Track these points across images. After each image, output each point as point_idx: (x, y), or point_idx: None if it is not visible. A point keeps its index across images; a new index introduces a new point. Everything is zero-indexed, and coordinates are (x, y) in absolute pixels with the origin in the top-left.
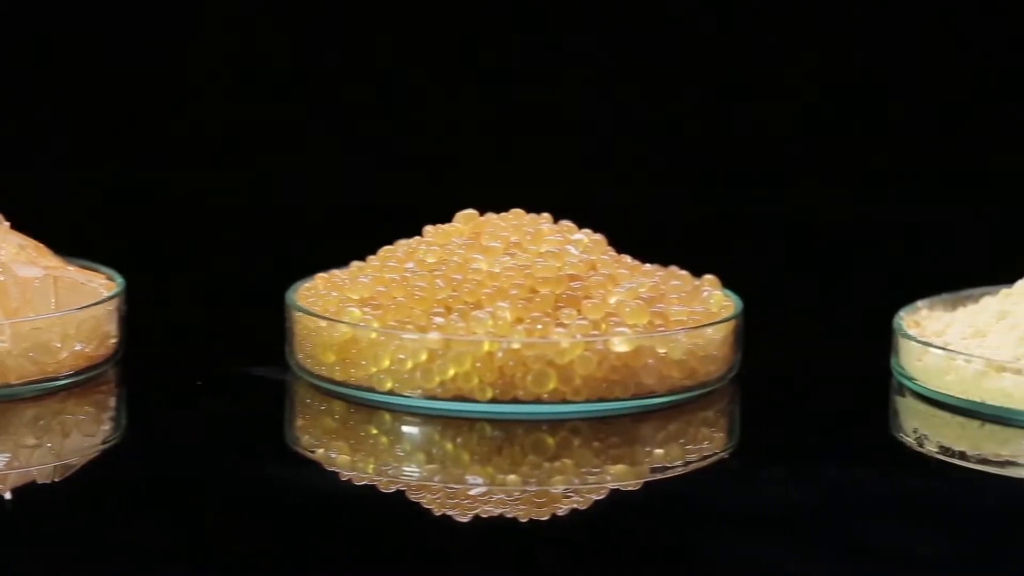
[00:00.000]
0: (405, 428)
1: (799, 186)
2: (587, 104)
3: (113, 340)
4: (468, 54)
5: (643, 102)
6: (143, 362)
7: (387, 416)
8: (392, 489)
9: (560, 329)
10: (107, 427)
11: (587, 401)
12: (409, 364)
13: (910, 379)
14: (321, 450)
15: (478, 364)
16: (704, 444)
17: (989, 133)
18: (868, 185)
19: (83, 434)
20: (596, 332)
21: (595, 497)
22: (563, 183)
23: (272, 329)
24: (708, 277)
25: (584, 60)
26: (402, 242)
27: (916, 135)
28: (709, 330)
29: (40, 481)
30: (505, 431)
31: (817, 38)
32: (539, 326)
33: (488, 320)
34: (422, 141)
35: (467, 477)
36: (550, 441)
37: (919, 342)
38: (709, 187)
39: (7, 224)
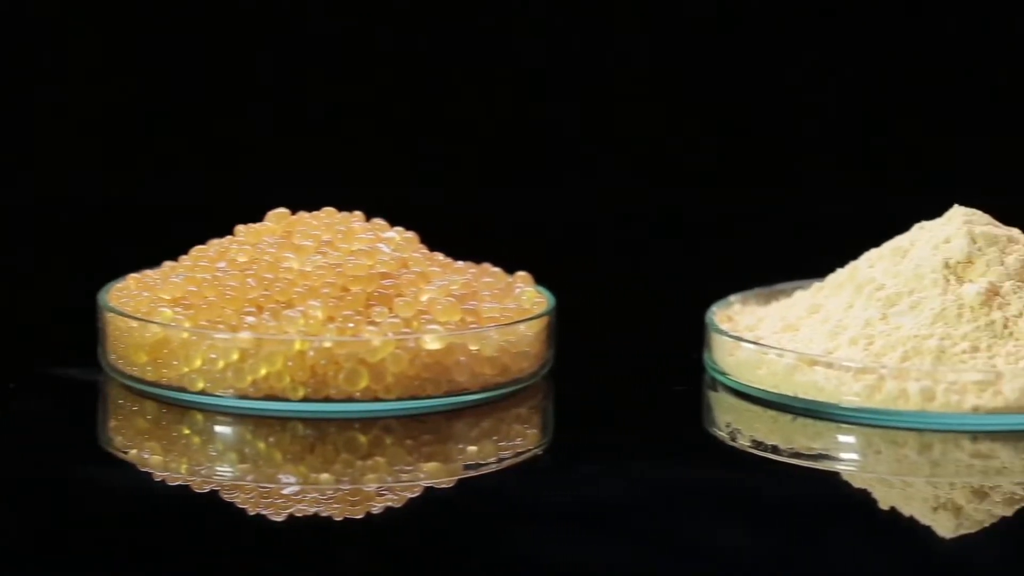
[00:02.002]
0: (217, 428)
1: (611, 182)
2: (401, 103)
3: None
4: (277, 52)
5: (454, 101)
6: None
7: (199, 416)
8: (206, 489)
9: (372, 327)
10: None
11: (399, 399)
12: (221, 364)
13: (723, 374)
14: (134, 450)
15: (290, 363)
16: (517, 441)
17: (802, 130)
18: (680, 180)
19: None
20: (408, 330)
21: (409, 495)
22: (375, 182)
23: (84, 330)
24: (521, 274)
25: (400, 60)
26: (214, 241)
27: (727, 131)
28: (521, 326)
29: None
30: (317, 430)
31: (623, 36)
32: (351, 324)
33: (299, 319)
34: (234, 140)
35: (280, 476)
36: (363, 439)
37: (731, 337)
38: (521, 184)
39: None
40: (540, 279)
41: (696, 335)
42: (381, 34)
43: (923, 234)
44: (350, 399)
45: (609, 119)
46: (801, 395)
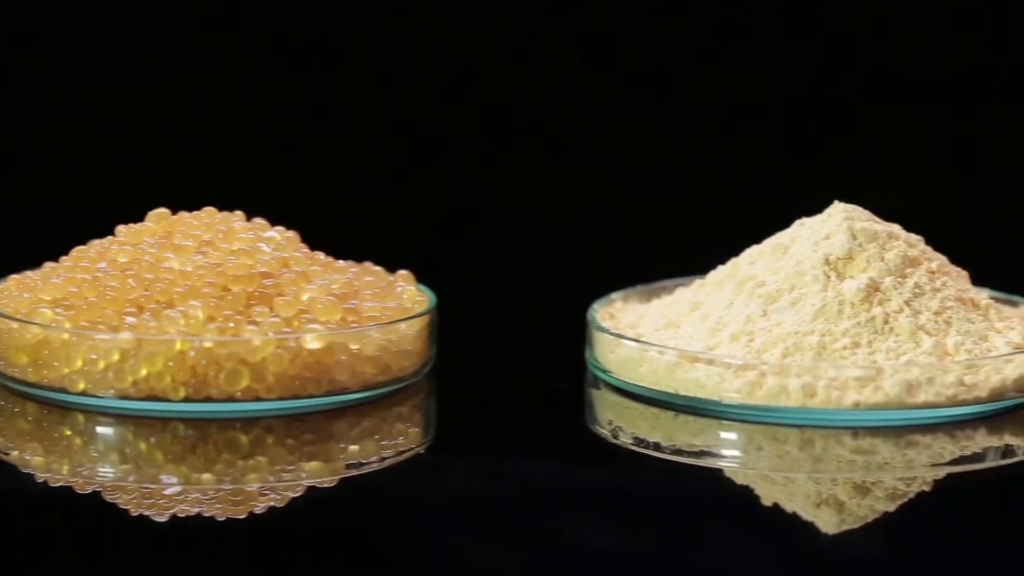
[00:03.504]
0: (99, 428)
1: (491, 181)
2: (281, 102)
3: None
4: (156, 50)
5: (335, 98)
6: None
7: (81, 417)
8: (88, 490)
9: (252, 327)
10: None
11: (280, 399)
12: (101, 364)
13: (604, 371)
14: (15, 452)
15: (170, 363)
16: (399, 439)
17: (684, 126)
18: (561, 177)
19: None
20: (288, 329)
21: (291, 495)
22: (256, 181)
23: None
24: (402, 272)
25: (279, 57)
26: (95, 242)
27: (609, 128)
28: (402, 325)
29: None
30: (199, 430)
31: (504, 32)
32: (231, 324)
33: (180, 319)
34: (115, 141)
35: (162, 476)
36: (244, 439)
37: (612, 334)
38: (401, 183)
39: None
40: (421, 278)
41: (578, 332)
42: (255, 29)
43: (804, 230)
44: (231, 399)
45: (491, 116)
46: (682, 392)
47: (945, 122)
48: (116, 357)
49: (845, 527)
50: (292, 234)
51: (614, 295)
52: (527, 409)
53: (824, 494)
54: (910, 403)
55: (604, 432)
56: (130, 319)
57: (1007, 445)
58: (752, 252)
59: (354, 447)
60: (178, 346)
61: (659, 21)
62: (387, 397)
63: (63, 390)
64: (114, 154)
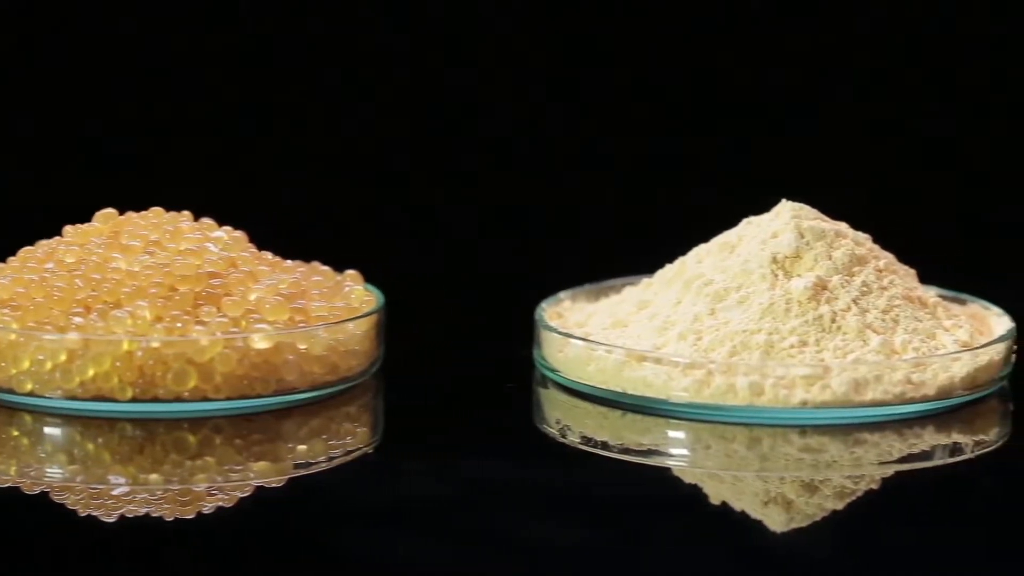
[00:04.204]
0: (46, 429)
1: (439, 178)
2: (230, 100)
3: None
4: (111, 50)
5: (281, 96)
6: None
7: (28, 417)
8: (36, 491)
9: (200, 327)
10: None
11: (228, 398)
12: (49, 365)
13: (552, 370)
14: None
15: (118, 363)
16: (347, 439)
17: (630, 126)
18: (508, 176)
19: None
20: (236, 329)
21: (239, 494)
22: (203, 181)
23: None
24: (350, 272)
25: (222, 57)
26: (42, 242)
27: (556, 127)
28: (350, 325)
29: None
30: (146, 430)
31: (451, 33)
32: (179, 324)
33: (127, 319)
34: (62, 140)
35: (110, 477)
36: (192, 439)
37: (560, 333)
38: (349, 182)
39: None
40: (369, 277)
41: (526, 332)
42: (203, 25)
43: (751, 229)
44: (179, 399)
45: (437, 114)
46: (630, 391)
47: (892, 119)
48: (63, 358)
49: (793, 525)
50: (239, 234)
51: (562, 294)
52: (475, 408)
53: (772, 492)
54: (858, 401)
55: (552, 431)
56: (77, 319)
57: (955, 443)
58: (700, 251)
59: (302, 447)
60: (125, 346)
61: (599, 21)
62: (335, 397)
63: (10, 391)
64: (61, 154)
